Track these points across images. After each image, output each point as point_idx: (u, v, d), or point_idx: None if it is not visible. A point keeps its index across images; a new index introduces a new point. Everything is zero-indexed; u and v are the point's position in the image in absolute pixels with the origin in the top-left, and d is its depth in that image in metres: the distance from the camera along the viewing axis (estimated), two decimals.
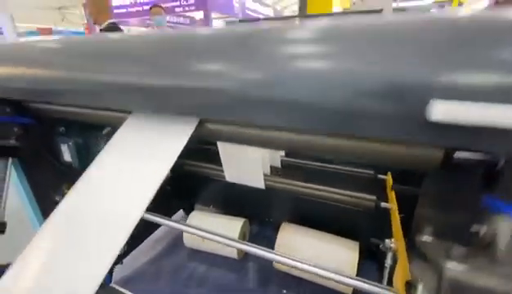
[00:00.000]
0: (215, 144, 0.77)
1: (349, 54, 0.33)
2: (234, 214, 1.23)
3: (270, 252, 0.55)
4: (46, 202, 0.82)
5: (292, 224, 1.09)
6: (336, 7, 5.27)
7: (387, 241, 0.59)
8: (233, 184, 0.90)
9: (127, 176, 0.51)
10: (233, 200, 1.28)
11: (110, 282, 1.04)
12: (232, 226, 1.16)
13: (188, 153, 0.52)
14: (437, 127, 0.28)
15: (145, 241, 1.20)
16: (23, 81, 0.59)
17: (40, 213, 0.82)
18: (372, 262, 0.98)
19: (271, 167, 1.01)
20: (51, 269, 0.48)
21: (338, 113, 0.33)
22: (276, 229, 1.07)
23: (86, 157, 0.79)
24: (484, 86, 0.26)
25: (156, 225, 1.19)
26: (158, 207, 0.53)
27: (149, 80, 0.44)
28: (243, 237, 1.18)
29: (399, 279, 0.48)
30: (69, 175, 0.84)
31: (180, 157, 0.50)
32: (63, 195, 0.86)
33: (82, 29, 9.29)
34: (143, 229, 1.10)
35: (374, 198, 0.81)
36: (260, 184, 0.82)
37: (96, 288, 0.44)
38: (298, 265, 0.53)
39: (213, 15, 7.38)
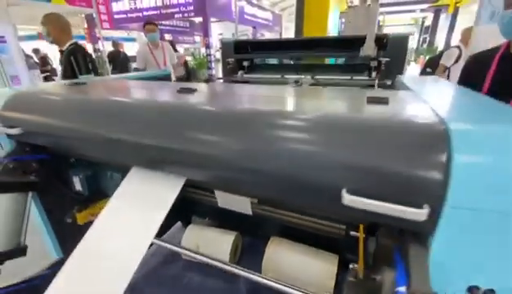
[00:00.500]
0: None
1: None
2: (228, 227, 1.34)
3: (254, 274, 0.66)
4: (59, 225, 0.93)
5: (280, 238, 1.20)
6: (334, 7, 5.63)
7: (350, 265, 0.70)
8: None
9: (134, 219, 0.62)
10: (227, 215, 1.38)
11: None
12: (226, 239, 1.27)
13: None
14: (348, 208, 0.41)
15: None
16: (43, 129, 0.70)
17: (54, 235, 0.93)
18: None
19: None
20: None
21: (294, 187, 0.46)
22: (266, 242, 1.18)
23: (94, 186, 0.90)
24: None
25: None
26: None
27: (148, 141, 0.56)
28: (235, 248, 1.30)
29: None
30: (78, 201, 0.96)
31: None
32: (72, 218, 0.97)
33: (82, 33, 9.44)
34: None
35: (343, 227, 0.95)
36: (248, 211, 0.94)
37: None
38: (280, 287, 0.65)
39: (212, 18, 7.47)
